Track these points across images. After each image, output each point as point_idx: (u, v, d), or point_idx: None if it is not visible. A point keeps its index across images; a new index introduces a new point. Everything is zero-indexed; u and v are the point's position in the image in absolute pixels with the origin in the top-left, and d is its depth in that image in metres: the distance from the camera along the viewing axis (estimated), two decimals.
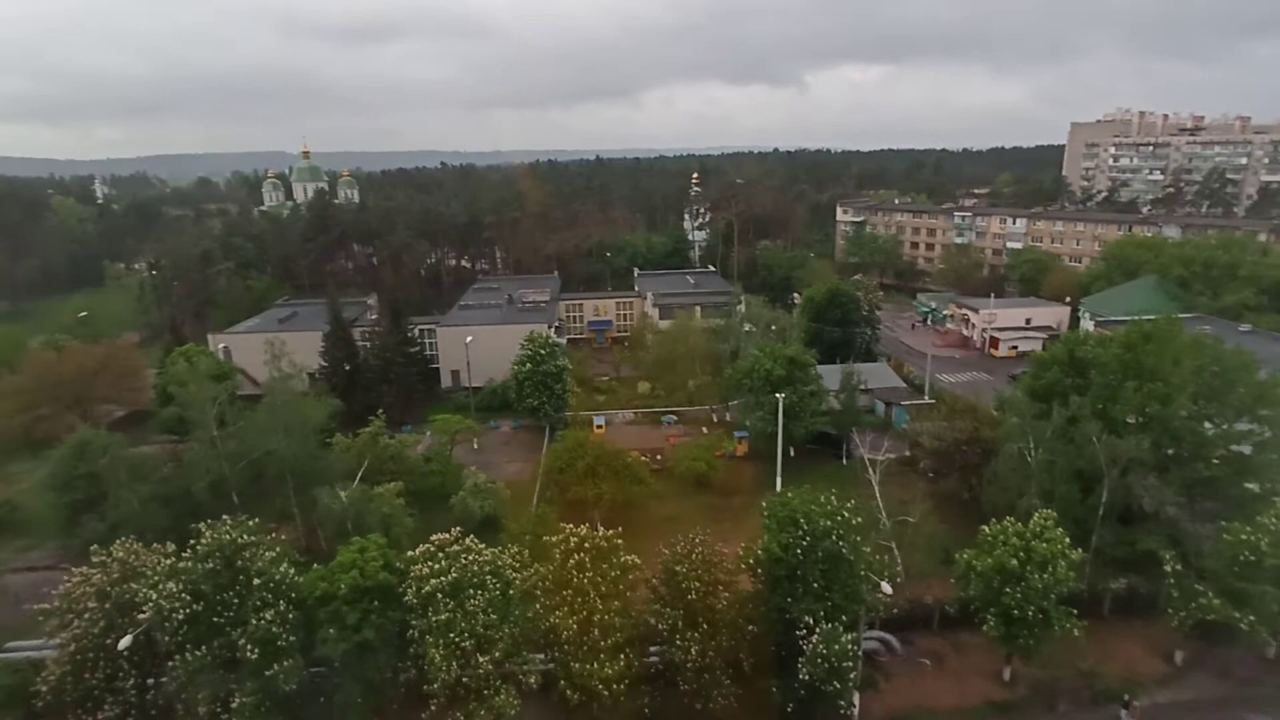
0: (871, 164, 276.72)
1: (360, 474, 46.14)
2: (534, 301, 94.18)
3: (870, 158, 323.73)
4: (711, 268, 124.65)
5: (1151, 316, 46.17)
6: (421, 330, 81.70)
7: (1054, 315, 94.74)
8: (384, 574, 30.65)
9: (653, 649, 32.89)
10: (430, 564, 30.21)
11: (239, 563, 30.06)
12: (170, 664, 29.33)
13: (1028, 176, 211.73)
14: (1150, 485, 37.70)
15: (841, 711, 30.76)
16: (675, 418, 70.19)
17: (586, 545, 31.54)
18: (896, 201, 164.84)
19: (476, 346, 74.48)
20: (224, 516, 32.06)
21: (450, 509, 47.81)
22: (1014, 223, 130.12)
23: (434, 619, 28.93)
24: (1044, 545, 31.72)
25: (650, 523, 47.82)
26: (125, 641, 28.33)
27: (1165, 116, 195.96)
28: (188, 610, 28.94)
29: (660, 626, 31.97)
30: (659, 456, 58.72)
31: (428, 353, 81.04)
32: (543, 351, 64.92)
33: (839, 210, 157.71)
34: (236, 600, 29.54)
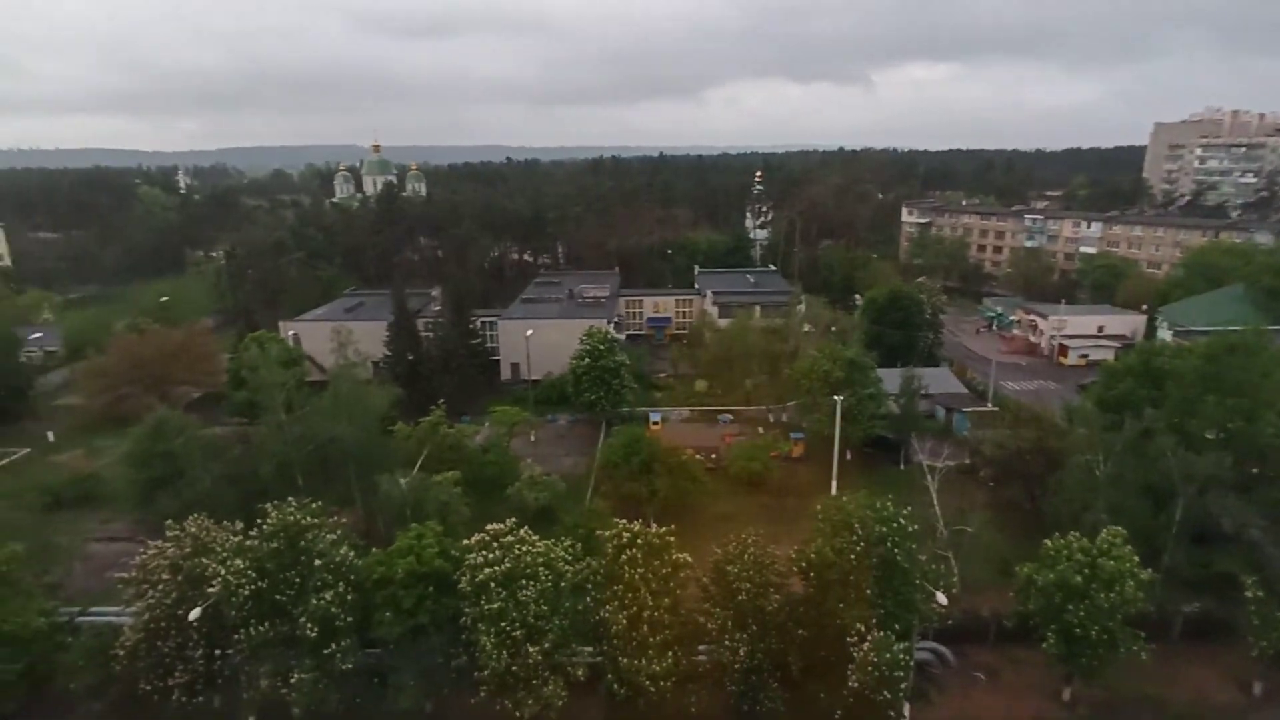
0: (939, 164, 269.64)
1: (420, 462, 47.31)
2: (594, 297, 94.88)
3: (937, 157, 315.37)
4: (772, 267, 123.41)
5: (1237, 327, 43.77)
6: (483, 323, 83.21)
7: (1128, 324, 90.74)
8: (439, 561, 31.42)
9: (701, 648, 32.86)
10: (485, 553, 30.80)
11: (301, 543, 31.21)
12: (236, 637, 30.62)
13: (1104, 179, 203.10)
14: (1231, 505, 35.78)
15: None
16: (731, 417, 69.84)
17: (639, 541, 31.69)
18: (964, 203, 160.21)
19: (536, 340, 75.52)
20: (289, 498, 33.27)
21: (506, 499, 48.65)
22: (1088, 226, 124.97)
23: (486, 607, 29.51)
24: (1111, 562, 30.46)
25: (703, 521, 47.75)
26: (195, 613, 29.73)
27: (1261, 116, 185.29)
28: (253, 587, 30.21)
29: (709, 626, 31.92)
30: (714, 455, 58.52)
31: (488, 345, 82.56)
32: (601, 347, 65.40)
33: (904, 211, 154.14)
34: (298, 580, 30.70)
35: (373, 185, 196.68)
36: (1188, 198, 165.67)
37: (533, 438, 65.45)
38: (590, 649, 31.87)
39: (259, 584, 30.34)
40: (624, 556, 31.28)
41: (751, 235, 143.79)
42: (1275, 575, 33.89)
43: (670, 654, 30.18)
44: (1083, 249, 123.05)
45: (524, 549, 30.87)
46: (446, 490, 42.65)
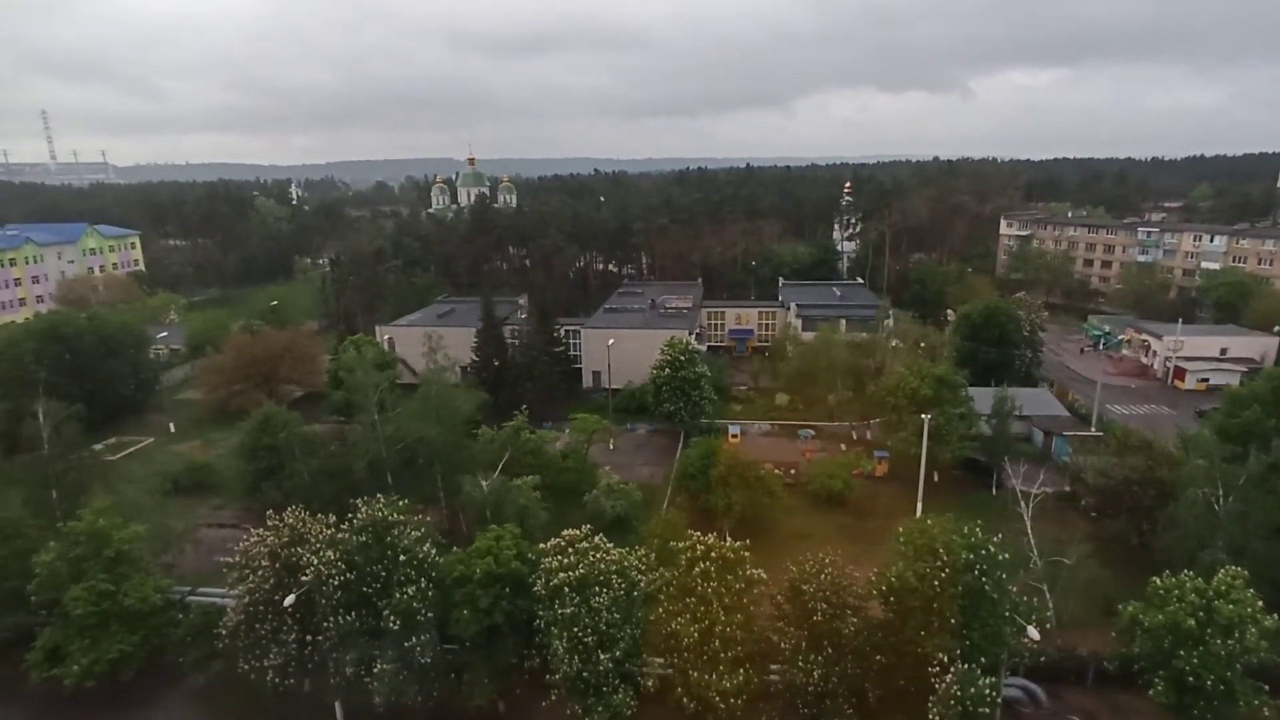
0: (1042, 174, 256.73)
1: (501, 465, 48.44)
2: (676, 307, 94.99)
3: (1041, 167, 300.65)
4: (859, 280, 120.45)
5: None
6: (567, 331, 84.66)
7: (1257, 346, 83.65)
8: (516, 563, 32.03)
9: (773, 667, 32.18)
10: (560, 558, 31.19)
11: (388, 539, 32.43)
12: (325, 625, 32.06)
13: (1231, 188, 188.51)
14: None
15: None
16: (813, 432, 68.39)
17: (713, 554, 31.38)
18: (1069, 214, 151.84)
19: (618, 349, 76.21)
20: (378, 495, 34.69)
21: (583, 506, 49.17)
22: (1211, 240, 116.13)
23: (560, 611, 29.84)
24: (1230, 606, 28.00)
25: (779, 538, 46.85)
26: (289, 600, 31.35)
27: None
28: (342, 578, 31.58)
29: (783, 645, 31.24)
30: (793, 471, 57.41)
31: (571, 353, 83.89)
32: (682, 357, 65.37)
33: (1003, 223, 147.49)
34: (384, 573, 31.89)
35: (467, 196, 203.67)
36: None
37: (611, 446, 65.94)
38: (661, 660, 31.70)
39: (348, 575, 31.70)
40: (697, 569, 31.03)
41: (839, 248, 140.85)
42: None
43: (741, 671, 29.68)
44: (1205, 264, 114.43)
45: (598, 556, 31.08)
46: (526, 494, 43.48)
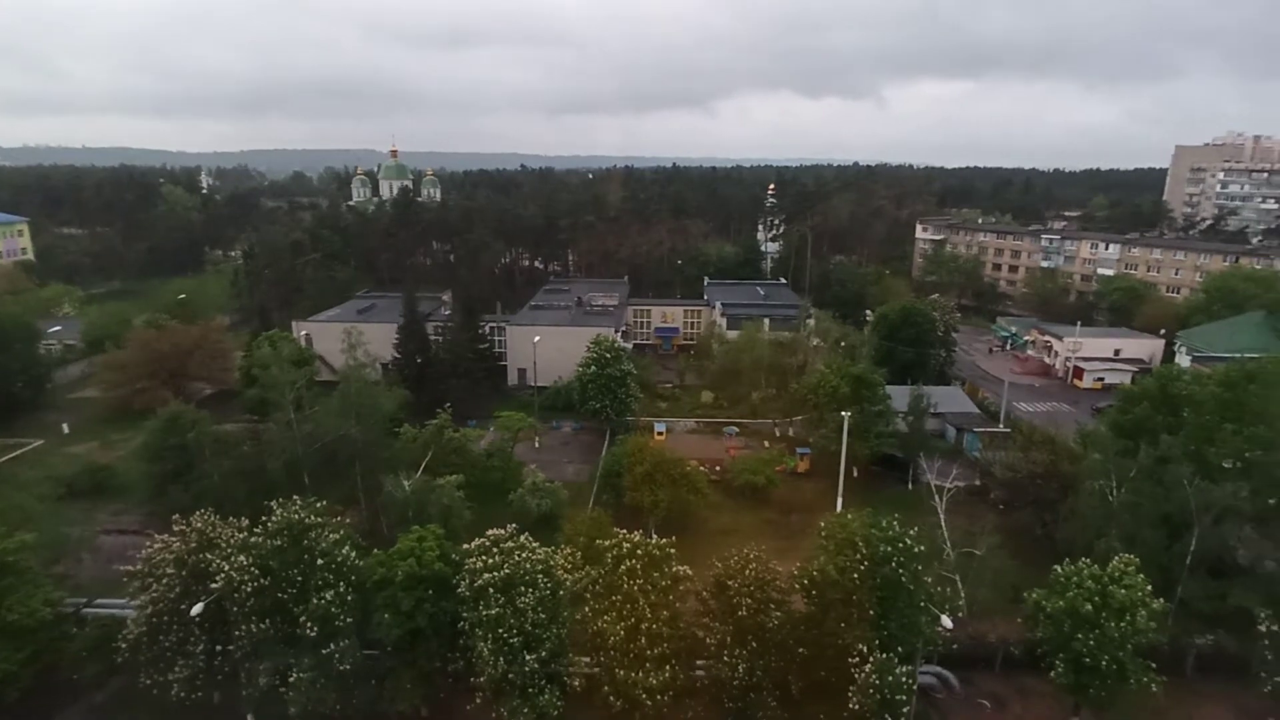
0: (955, 181, 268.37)
1: (424, 464, 47.31)
2: (602, 305, 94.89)
3: (954, 175, 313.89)
4: (782, 280, 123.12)
5: (1257, 354, 43.07)
6: (492, 328, 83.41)
7: (1146, 348, 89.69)
8: (440, 564, 31.32)
9: (699, 663, 32.52)
10: (485, 558, 30.67)
11: (305, 542, 31.20)
12: (237, 634, 30.59)
13: (1124, 200, 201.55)
14: (1248, 537, 35.17)
15: None
16: (737, 429, 69.48)
17: (639, 552, 31.46)
18: (980, 221, 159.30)
19: (544, 346, 75.55)
20: (295, 496, 33.29)
21: (508, 505, 48.54)
22: (1107, 248, 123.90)
23: (485, 613, 29.34)
24: (1122, 591, 29.89)
25: (705, 534, 47.40)
26: (197, 609, 29.73)
27: None
28: (255, 583, 30.19)
29: (708, 641, 31.60)
30: (718, 468, 58.21)
31: (497, 350, 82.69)
32: (608, 355, 65.34)
33: (918, 228, 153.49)
34: (300, 578, 30.66)
35: (389, 189, 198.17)
36: (1209, 222, 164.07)
37: (537, 444, 65.37)
38: (587, 659, 31.59)
39: (261, 581, 30.34)
40: (623, 567, 31.06)
41: (763, 248, 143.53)
42: None
43: (668, 668, 29.86)
44: (1101, 271, 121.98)
45: (524, 555, 30.70)
46: (449, 494, 42.61)
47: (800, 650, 31.32)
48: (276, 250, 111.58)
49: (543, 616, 29.52)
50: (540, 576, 30.17)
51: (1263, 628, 32.30)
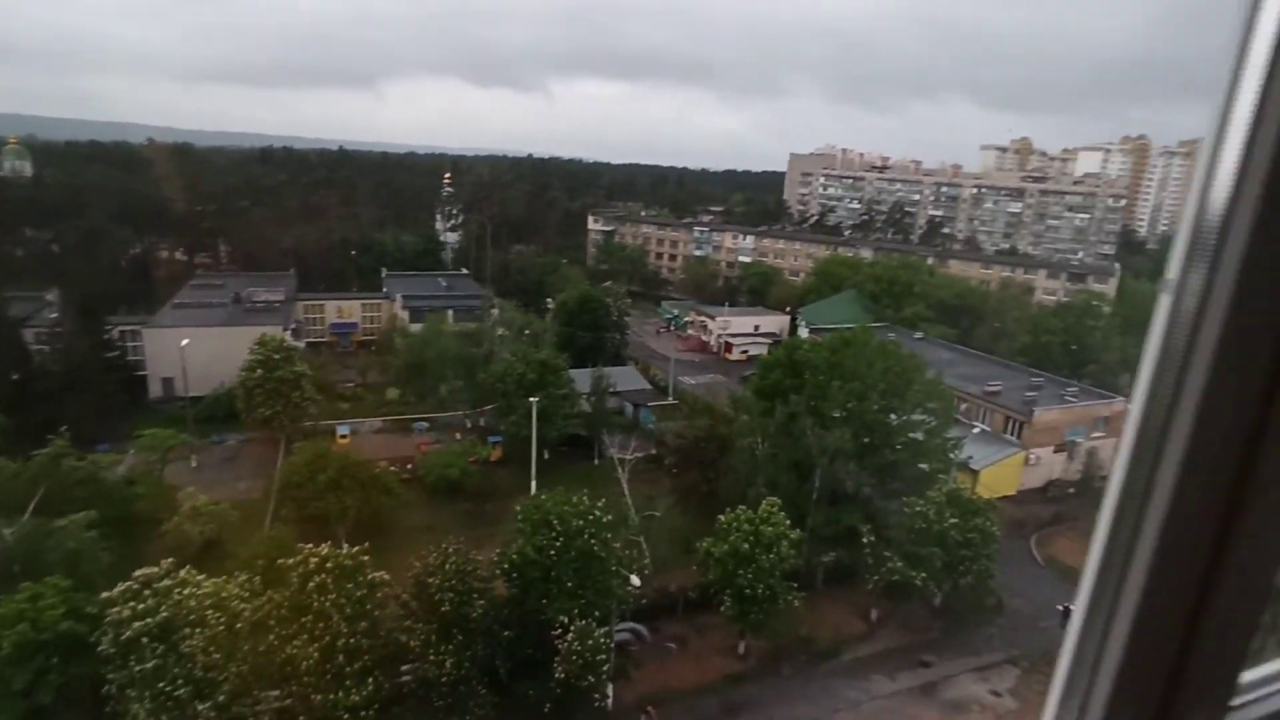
0: (621, 176, 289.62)
1: (34, 505, 38.42)
2: (266, 301, 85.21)
3: (619, 170, 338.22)
4: (464, 271, 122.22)
5: (851, 325, 53.77)
6: (122, 332, 70.19)
7: (777, 323, 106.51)
8: (69, 623, 25.87)
9: (405, 668, 31.48)
10: (134, 604, 26.11)
11: None
12: None
13: (756, 198, 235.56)
14: (851, 471, 43.98)
15: (596, 704, 31.89)
16: (427, 425, 67.71)
17: (329, 565, 29.31)
18: (643, 214, 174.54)
19: (195, 351, 65.53)
20: None
21: (162, 537, 41.67)
22: (744, 239, 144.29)
23: (138, 668, 25.01)
24: (770, 528, 35.62)
25: (401, 535, 45.66)
26: None
27: (861, 154, 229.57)
28: None
29: (411, 643, 30.71)
30: (409, 465, 56.28)
31: (131, 358, 69.81)
32: (277, 356, 59.04)
33: (590, 219, 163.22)
34: None
35: None
36: (816, 217, 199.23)
37: (194, 463, 56.90)
38: (277, 692, 28.70)
39: None
40: (312, 584, 28.71)
41: (442, 238, 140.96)
42: (883, 524, 42.47)
43: (370, 680, 28.43)
44: (740, 258, 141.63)
45: (187, 593, 26.79)
46: (76, 536, 35.17)
47: (506, 633, 31.95)
48: None
49: (217, 656, 26.11)
50: (210, 612, 26.60)
51: (865, 540, 41.00)
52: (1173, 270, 1.24)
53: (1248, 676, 1.15)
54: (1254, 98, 1.21)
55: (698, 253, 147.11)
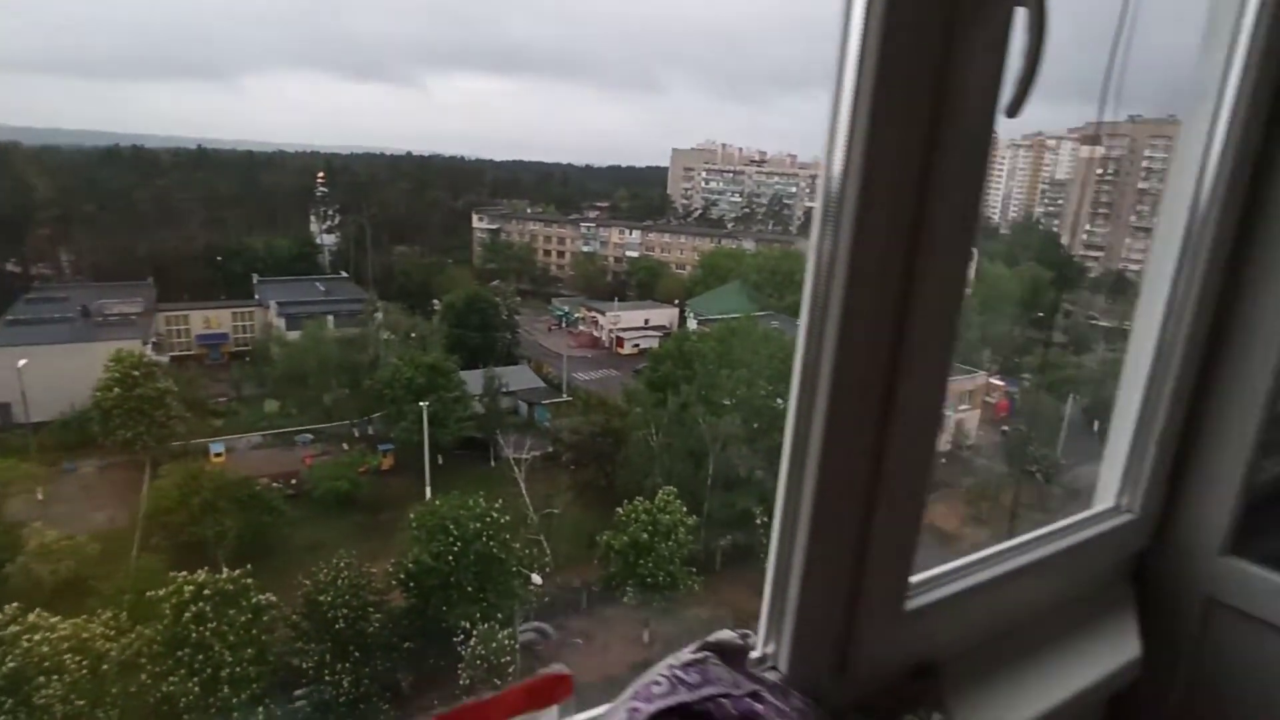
0: (504, 173, 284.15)
1: None
2: (121, 314, 78.30)
3: (503, 167, 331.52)
4: (344, 274, 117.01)
5: (737, 315, 55.46)
6: None
7: (667, 315, 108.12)
8: None
9: (298, 692, 30.03)
10: None
11: None
12: None
13: (641, 193, 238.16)
14: (743, 455, 45.51)
15: None
16: (311, 436, 64.53)
17: (207, 592, 27.55)
18: (529, 211, 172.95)
19: (36, 372, 59.37)
20: None
21: (4, 581, 37.72)
22: (630, 234, 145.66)
23: None
24: (667, 516, 36.37)
25: (289, 554, 43.36)
26: None
27: (740, 149, 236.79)
28: None
29: (305, 666, 29.37)
30: (294, 481, 53.56)
31: None
32: (136, 373, 54.56)
33: (475, 218, 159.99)
34: None
35: None
36: (700, 211, 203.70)
37: (41, 495, 51.74)
38: None
39: None
40: (189, 614, 26.94)
41: (318, 241, 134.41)
42: (774, 504, 44.01)
43: (261, 710, 26.99)
44: (628, 253, 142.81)
45: (38, 638, 24.45)
46: None
47: (406, 645, 31.13)
48: None
49: (81, 703, 24.01)
50: (68, 656, 24.40)
51: (759, 521, 42.51)
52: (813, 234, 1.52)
53: (915, 579, 1.42)
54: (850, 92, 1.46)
55: (585, 249, 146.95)
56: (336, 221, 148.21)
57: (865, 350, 1.22)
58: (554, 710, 1.14)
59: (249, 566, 30.25)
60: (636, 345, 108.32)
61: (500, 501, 35.29)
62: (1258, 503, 1.73)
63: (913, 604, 1.42)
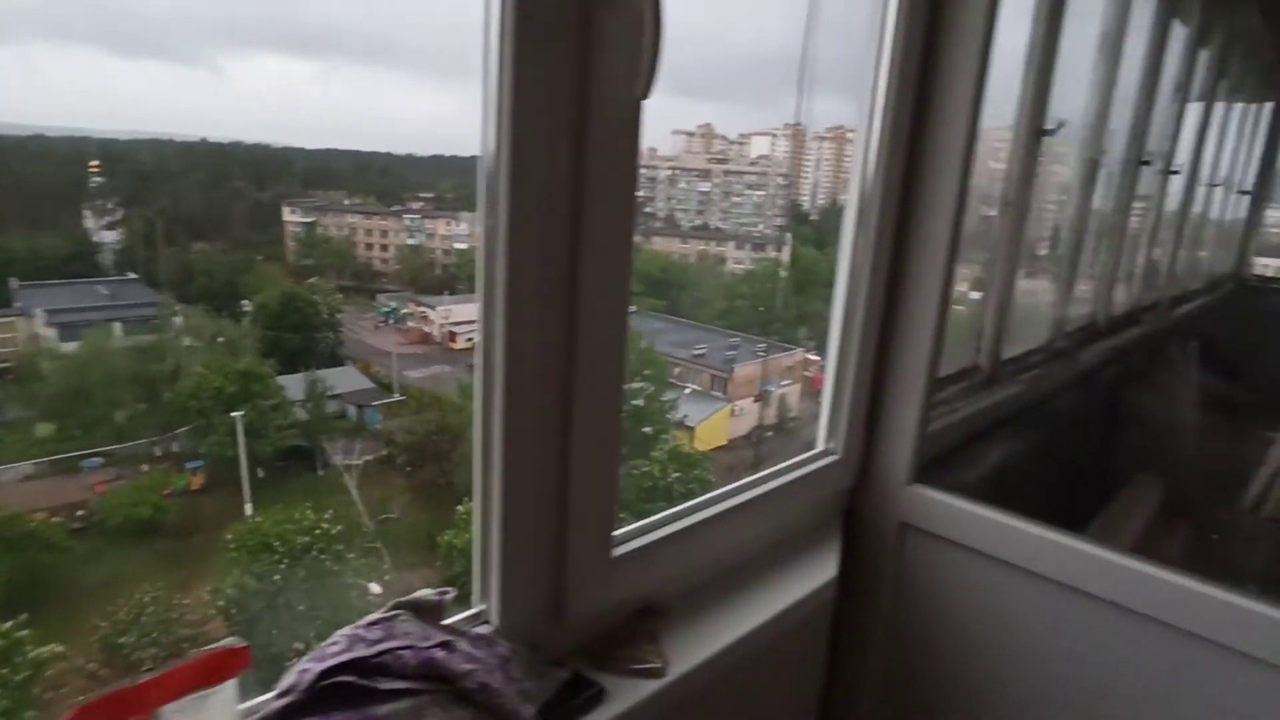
0: (317, 162, 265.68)
1: None
2: None
3: (314, 156, 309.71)
4: (132, 275, 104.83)
5: None
6: None
7: None
8: None
9: None
10: None
11: None
12: None
13: (467, 183, 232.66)
14: None
15: None
16: (102, 460, 57.44)
17: None
18: (346, 202, 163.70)
19: None
20: None
21: None
22: (457, 225, 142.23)
23: None
24: None
25: (80, 595, 38.32)
26: None
27: None
28: None
29: None
30: (80, 512, 47.43)
31: None
32: None
33: (286, 210, 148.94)
34: None
35: None
36: None
37: None
38: None
39: None
40: None
41: (96, 238, 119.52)
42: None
43: None
44: (456, 245, 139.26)
45: None
46: None
47: None
48: None
49: None
50: None
51: None
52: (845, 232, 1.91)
53: (628, 528, 1.65)
54: (886, 95, 1.82)
55: (411, 241, 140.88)
56: (119, 216, 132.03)
57: (536, 322, 1.36)
58: (231, 685, 1.13)
59: (24, 616, 26.49)
60: (470, 339, 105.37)
61: (331, 511, 33.31)
62: (936, 436, 2.14)
63: (623, 549, 1.60)
